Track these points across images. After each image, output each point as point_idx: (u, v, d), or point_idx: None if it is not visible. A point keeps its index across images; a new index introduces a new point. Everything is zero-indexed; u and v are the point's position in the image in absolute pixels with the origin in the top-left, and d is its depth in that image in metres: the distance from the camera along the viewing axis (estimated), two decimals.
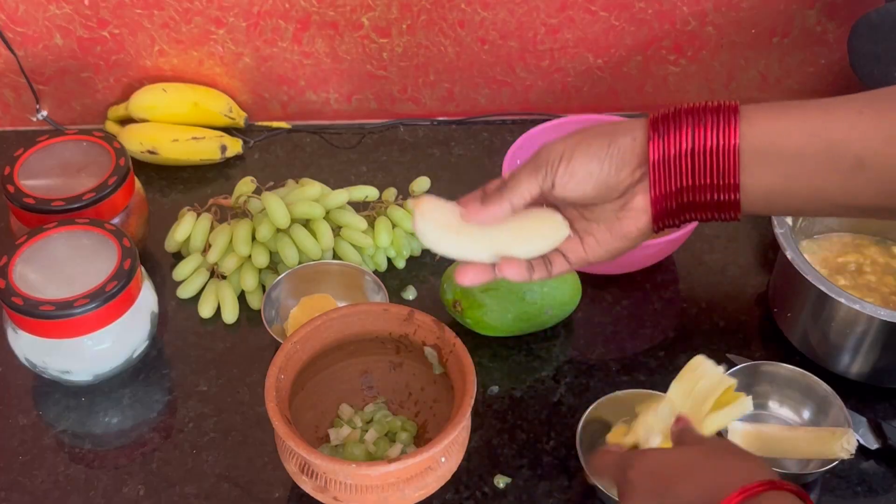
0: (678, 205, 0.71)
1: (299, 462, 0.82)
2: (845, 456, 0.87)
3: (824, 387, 0.92)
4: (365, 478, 0.79)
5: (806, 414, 0.94)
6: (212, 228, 1.07)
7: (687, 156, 0.68)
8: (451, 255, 0.74)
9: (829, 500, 0.90)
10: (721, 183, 0.68)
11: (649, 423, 0.77)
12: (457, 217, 0.74)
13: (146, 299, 0.96)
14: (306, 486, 0.82)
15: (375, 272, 1.06)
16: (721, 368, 0.77)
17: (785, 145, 0.67)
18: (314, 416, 0.91)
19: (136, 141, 1.19)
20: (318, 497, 0.82)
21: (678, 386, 0.77)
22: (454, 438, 0.81)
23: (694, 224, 1.01)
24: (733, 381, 0.76)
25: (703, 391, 0.76)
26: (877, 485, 0.91)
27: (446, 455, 0.83)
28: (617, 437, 0.80)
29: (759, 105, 0.69)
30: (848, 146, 0.66)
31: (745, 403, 0.76)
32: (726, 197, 0.69)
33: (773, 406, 0.95)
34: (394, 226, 1.07)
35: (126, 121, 1.24)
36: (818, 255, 1.05)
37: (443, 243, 0.74)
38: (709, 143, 0.68)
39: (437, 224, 0.74)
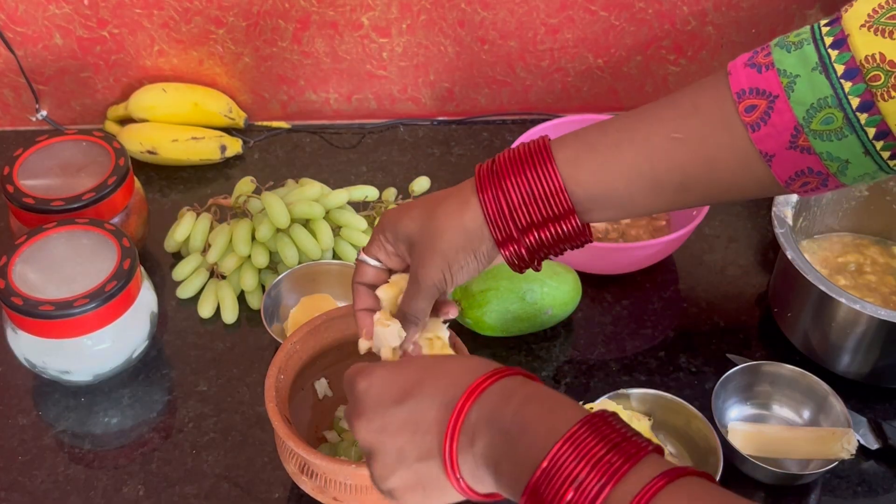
0: (526, 249, 0.72)
1: (299, 462, 0.82)
2: (846, 456, 0.87)
3: (825, 387, 0.92)
4: (365, 478, 0.79)
5: (806, 414, 0.94)
6: (211, 228, 1.07)
7: (519, 207, 0.70)
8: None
9: (829, 500, 0.90)
10: (557, 213, 0.70)
11: (381, 336, 0.76)
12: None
13: (146, 299, 0.96)
14: (306, 486, 0.82)
15: None
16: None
17: (612, 194, 0.70)
18: (314, 416, 0.91)
19: (135, 141, 1.19)
20: (318, 497, 0.82)
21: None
22: None
23: (694, 224, 1.01)
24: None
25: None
26: (877, 485, 0.91)
27: None
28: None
29: (571, 150, 0.70)
30: (671, 178, 0.69)
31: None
32: (567, 226, 0.71)
33: (774, 406, 0.95)
34: None
35: (126, 121, 1.24)
36: (818, 255, 1.05)
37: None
38: (535, 188, 0.70)
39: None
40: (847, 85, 0.63)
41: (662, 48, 1.24)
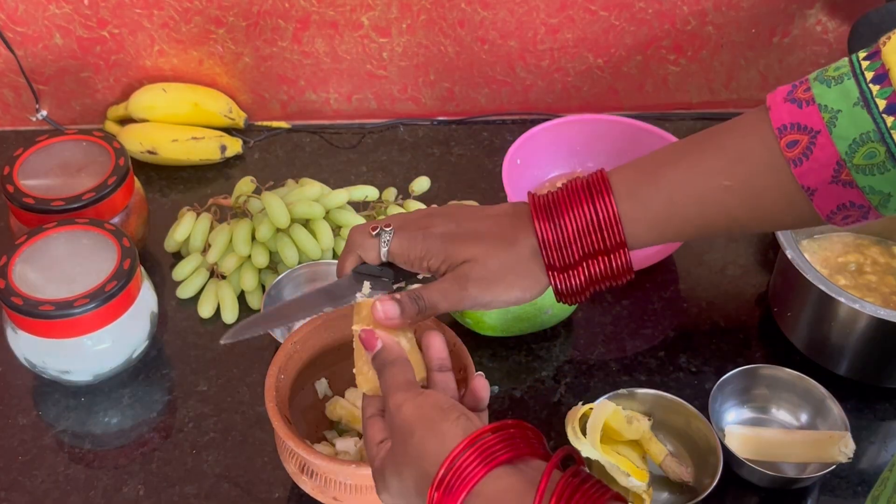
0: (579, 283, 0.73)
1: (299, 462, 0.82)
2: (843, 460, 0.87)
3: (822, 390, 0.92)
4: (365, 478, 0.79)
5: (804, 417, 0.94)
6: (211, 228, 1.07)
7: (574, 239, 0.72)
8: None
9: (829, 501, 0.90)
10: (609, 245, 0.71)
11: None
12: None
13: (146, 299, 0.96)
14: (306, 486, 0.82)
15: None
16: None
17: (661, 239, 0.72)
18: (314, 416, 0.91)
19: (135, 141, 1.18)
20: (318, 497, 0.82)
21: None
22: None
23: None
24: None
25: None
26: None
27: None
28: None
29: (626, 205, 0.71)
30: (718, 222, 0.70)
31: None
32: (618, 261, 0.72)
33: (772, 410, 0.95)
34: None
35: (126, 121, 1.24)
36: (818, 255, 1.05)
37: None
38: (591, 217, 0.71)
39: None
40: (889, 119, 0.62)
41: (662, 48, 1.24)
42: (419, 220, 0.75)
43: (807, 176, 0.65)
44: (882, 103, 0.62)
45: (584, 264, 0.72)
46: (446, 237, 0.73)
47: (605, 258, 0.71)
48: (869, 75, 0.63)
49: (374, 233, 0.75)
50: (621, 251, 0.71)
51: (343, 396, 0.92)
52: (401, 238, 0.74)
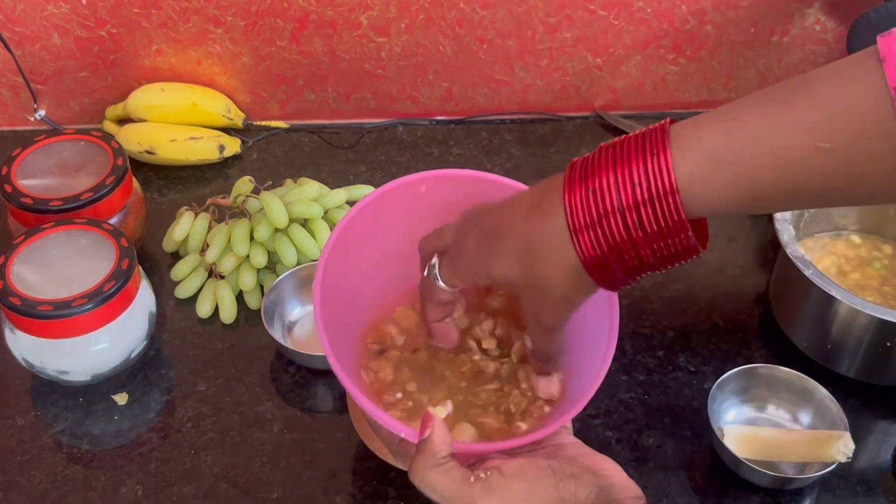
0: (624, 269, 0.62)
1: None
2: (842, 459, 0.87)
3: (822, 390, 0.92)
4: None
5: (803, 417, 0.93)
6: (210, 228, 1.07)
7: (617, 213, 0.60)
8: None
9: (828, 500, 0.89)
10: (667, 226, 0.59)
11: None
12: None
13: (144, 299, 0.96)
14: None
15: None
16: None
17: (737, 208, 0.60)
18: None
19: (133, 141, 1.18)
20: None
21: None
22: None
23: None
24: None
25: None
26: (876, 485, 0.91)
27: None
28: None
29: (694, 161, 0.58)
30: (810, 189, 0.58)
31: None
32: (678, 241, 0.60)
33: (771, 409, 0.95)
34: None
35: (124, 120, 1.24)
36: (818, 254, 1.05)
37: None
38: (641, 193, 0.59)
39: None
40: None
41: (661, 47, 1.24)
42: (458, 237, 0.68)
43: None
44: None
45: (632, 244, 0.60)
46: (479, 251, 0.66)
47: (661, 238, 0.59)
48: None
49: (425, 273, 0.70)
50: (681, 229, 0.58)
51: None
52: (445, 267, 0.70)
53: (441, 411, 0.73)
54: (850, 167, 0.55)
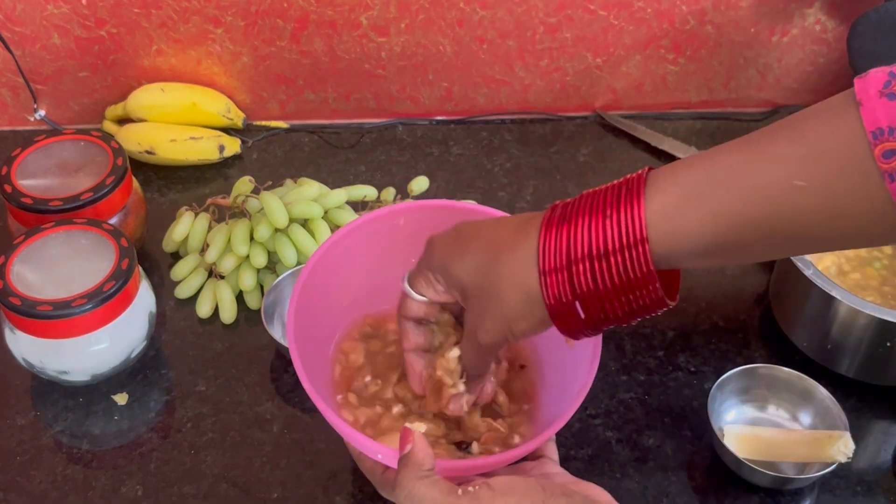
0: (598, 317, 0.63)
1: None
2: (842, 460, 0.87)
3: (822, 391, 0.92)
4: None
5: (803, 417, 0.93)
6: (210, 228, 1.07)
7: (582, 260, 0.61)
8: None
9: (828, 501, 0.89)
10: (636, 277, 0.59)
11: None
12: None
13: (144, 299, 0.96)
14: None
15: None
16: None
17: (709, 250, 0.59)
18: None
19: (133, 141, 1.18)
20: None
21: None
22: None
23: None
24: None
25: None
26: (876, 485, 0.91)
27: None
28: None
29: (668, 195, 0.59)
30: (786, 228, 0.57)
31: None
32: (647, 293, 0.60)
33: (771, 409, 0.95)
34: None
35: (124, 120, 1.24)
36: (818, 254, 1.05)
37: None
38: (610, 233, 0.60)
39: None
40: None
41: (661, 47, 1.24)
42: (433, 239, 0.69)
43: None
44: None
45: (599, 291, 0.60)
46: (448, 248, 0.67)
47: (630, 291, 0.59)
48: None
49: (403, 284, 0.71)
50: (649, 281, 0.58)
51: None
52: (414, 270, 0.70)
53: (420, 426, 0.73)
54: (827, 207, 0.55)
